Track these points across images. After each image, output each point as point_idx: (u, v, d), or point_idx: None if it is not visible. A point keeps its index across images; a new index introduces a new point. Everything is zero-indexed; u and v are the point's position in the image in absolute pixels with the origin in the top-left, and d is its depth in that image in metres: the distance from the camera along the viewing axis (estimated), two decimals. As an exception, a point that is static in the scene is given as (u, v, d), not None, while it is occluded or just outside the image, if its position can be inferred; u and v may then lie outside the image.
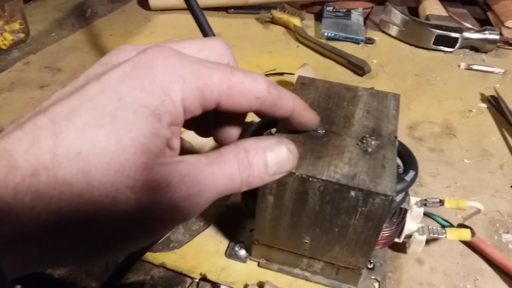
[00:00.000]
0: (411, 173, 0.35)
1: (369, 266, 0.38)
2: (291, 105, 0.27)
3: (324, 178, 0.30)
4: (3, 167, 0.18)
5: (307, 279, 0.37)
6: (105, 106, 0.20)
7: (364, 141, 0.33)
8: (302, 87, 0.39)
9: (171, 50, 0.23)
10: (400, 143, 0.37)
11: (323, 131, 0.34)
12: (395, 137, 0.34)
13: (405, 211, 0.37)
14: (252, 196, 0.35)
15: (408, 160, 0.36)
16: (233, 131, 0.29)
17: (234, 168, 0.25)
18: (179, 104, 0.22)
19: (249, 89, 0.24)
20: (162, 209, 0.21)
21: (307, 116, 0.30)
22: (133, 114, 0.20)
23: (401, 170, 0.36)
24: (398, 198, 0.35)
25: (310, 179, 0.30)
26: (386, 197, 0.29)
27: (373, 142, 0.33)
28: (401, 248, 0.40)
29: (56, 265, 0.21)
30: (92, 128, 0.20)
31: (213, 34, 0.45)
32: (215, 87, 0.23)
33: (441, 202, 0.39)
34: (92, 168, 0.19)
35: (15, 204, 0.18)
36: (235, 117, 0.28)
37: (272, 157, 0.27)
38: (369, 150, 0.32)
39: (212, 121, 0.29)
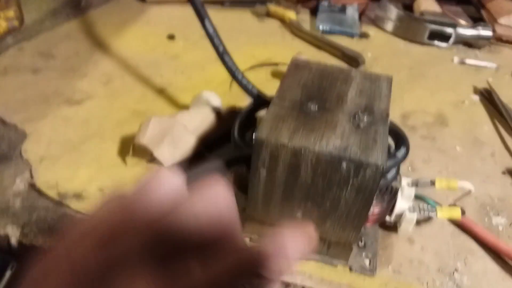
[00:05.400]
0: (402, 150, 0.35)
1: (360, 244, 0.38)
2: None
3: (316, 149, 0.30)
4: None
5: (298, 256, 0.37)
6: None
7: (357, 117, 0.33)
8: (296, 68, 0.40)
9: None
10: (392, 123, 0.38)
11: (316, 107, 0.34)
12: (387, 115, 0.34)
13: (396, 189, 0.37)
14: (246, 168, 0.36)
15: (399, 138, 0.37)
16: None
17: None
18: None
19: None
20: None
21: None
22: None
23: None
24: (390, 175, 0.35)
25: (303, 150, 0.30)
26: (377, 168, 0.29)
27: (365, 119, 0.33)
28: (392, 228, 0.40)
29: None
30: None
31: (208, 17, 0.45)
32: None
33: (432, 183, 0.39)
34: None
35: None
36: None
37: None
38: (361, 125, 0.32)
39: None
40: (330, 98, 0.35)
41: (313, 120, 0.33)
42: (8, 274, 0.55)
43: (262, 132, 0.31)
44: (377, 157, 0.29)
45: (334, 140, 0.31)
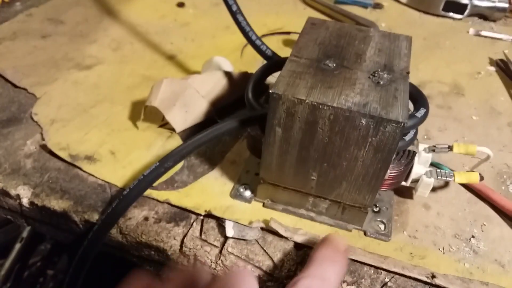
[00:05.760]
0: (422, 110, 0.34)
1: (374, 209, 0.37)
2: None
3: (335, 105, 0.29)
4: None
5: (312, 219, 0.37)
6: None
7: (376, 75, 0.32)
8: (312, 27, 0.39)
9: None
10: (411, 84, 0.36)
11: (334, 65, 0.33)
12: (407, 73, 0.33)
13: (414, 153, 0.36)
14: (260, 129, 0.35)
15: (418, 99, 0.36)
16: None
17: None
18: None
19: None
20: None
21: None
22: None
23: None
24: (407, 137, 0.34)
25: (321, 106, 0.29)
26: (398, 124, 0.28)
27: (385, 76, 0.32)
28: (407, 194, 0.39)
29: None
30: None
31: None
32: None
33: (450, 148, 0.38)
34: None
35: None
36: None
37: None
38: (381, 82, 0.32)
39: None
40: (348, 56, 0.34)
41: (331, 77, 0.32)
42: (19, 240, 0.56)
43: (278, 88, 0.30)
44: (398, 114, 0.28)
45: (353, 97, 0.30)
